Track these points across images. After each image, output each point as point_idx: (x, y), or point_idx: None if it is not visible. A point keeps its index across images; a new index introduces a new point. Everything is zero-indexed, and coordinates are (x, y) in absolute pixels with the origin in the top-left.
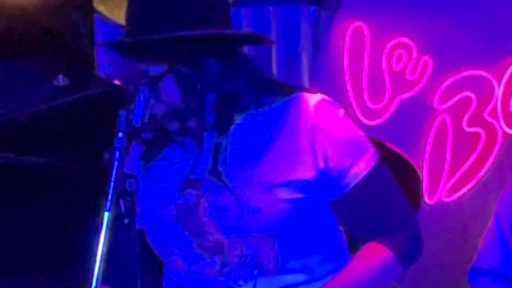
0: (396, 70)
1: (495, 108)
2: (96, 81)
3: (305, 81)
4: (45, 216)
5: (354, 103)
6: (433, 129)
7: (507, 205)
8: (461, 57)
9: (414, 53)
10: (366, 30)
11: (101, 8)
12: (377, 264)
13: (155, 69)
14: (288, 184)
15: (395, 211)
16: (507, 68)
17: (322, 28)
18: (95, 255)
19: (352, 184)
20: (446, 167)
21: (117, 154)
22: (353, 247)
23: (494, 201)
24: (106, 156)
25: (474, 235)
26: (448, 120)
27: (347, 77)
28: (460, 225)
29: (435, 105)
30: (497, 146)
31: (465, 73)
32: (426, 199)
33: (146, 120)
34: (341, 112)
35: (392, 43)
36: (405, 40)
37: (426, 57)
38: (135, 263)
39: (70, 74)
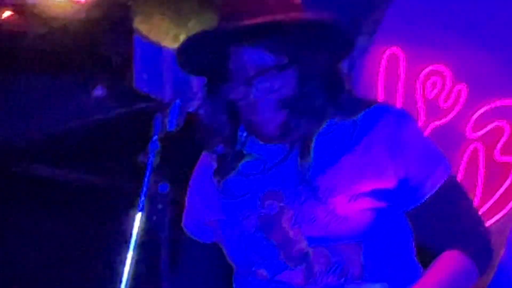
0: (430, 97)
1: None
2: (132, 94)
3: None
4: (72, 229)
5: None
6: (465, 157)
7: None
8: (495, 86)
9: (449, 81)
10: (401, 56)
11: (141, 27)
12: (460, 270)
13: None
14: (372, 193)
15: (468, 220)
16: None
17: (357, 53)
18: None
19: (430, 194)
20: (477, 196)
21: (151, 157)
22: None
23: None
24: (141, 158)
25: (504, 265)
26: (480, 148)
27: None
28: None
29: (467, 133)
30: None
31: (498, 102)
32: None
33: (181, 124)
34: (418, 124)
35: (427, 70)
36: (440, 67)
37: (460, 85)
38: (164, 266)
39: (109, 87)
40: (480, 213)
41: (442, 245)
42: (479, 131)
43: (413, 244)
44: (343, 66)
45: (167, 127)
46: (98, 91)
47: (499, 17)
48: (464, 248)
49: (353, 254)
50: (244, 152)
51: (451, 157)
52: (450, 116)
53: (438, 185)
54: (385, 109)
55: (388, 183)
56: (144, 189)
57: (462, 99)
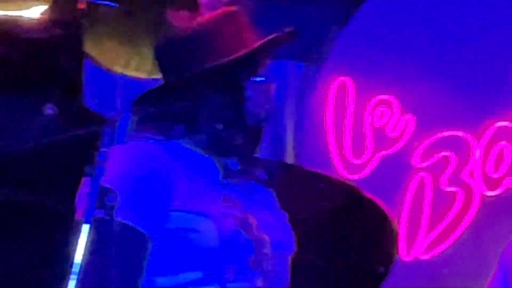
0: (378, 127)
1: (473, 169)
2: (85, 114)
3: (290, 134)
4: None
5: (335, 157)
6: (412, 186)
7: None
8: (442, 117)
9: (396, 111)
10: (350, 86)
11: (92, 52)
12: None
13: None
14: None
15: None
16: (486, 130)
17: (308, 82)
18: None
19: None
20: (423, 225)
21: (98, 168)
22: None
23: (469, 261)
24: (87, 170)
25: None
26: (427, 178)
27: (329, 131)
28: (435, 283)
29: (414, 163)
30: (474, 207)
31: (445, 133)
32: (402, 255)
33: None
34: None
35: (375, 99)
36: (388, 97)
37: (408, 116)
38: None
39: (60, 105)
40: (426, 242)
41: None
42: (426, 161)
43: None
44: (295, 97)
45: (116, 139)
46: (49, 110)
47: (446, 50)
48: None
49: None
50: None
51: (399, 186)
52: (398, 145)
53: None
54: None
55: None
56: (91, 200)
57: (409, 129)
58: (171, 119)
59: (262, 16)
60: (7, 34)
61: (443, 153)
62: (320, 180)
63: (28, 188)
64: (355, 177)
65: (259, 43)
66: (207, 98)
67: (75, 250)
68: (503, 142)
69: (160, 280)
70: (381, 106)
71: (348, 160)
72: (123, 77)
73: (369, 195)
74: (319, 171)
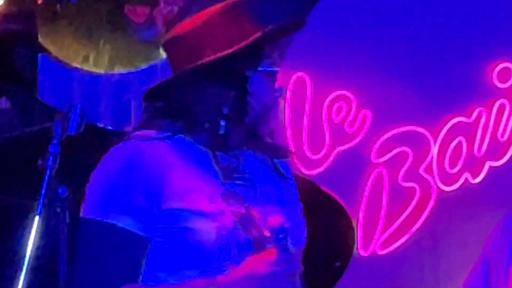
0: (336, 122)
1: (430, 164)
2: (39, 107)
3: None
4: None
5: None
6: (370, 182)
7: (494, 237)
8: (399, 113)
9: (354, 106)
10: (308, 81)
11: (50, 48)
12: None
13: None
14: None
15: None
16: (443, 126)
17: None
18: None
19: None
20: (381, 220)
21: (50, 160)
22: None
23: (427, 256)
24: (40, 162)
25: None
26: (385, 173)
27: (287, 127)
28: (392, 278)
29: (372, 158)
30: (431, 202)
31: (402, 129)
32: (360, 250)
33: (81, 129)
34: None
35: (333, 95)
36: (346, 93)
37: (365, 111)
38: (62, 266)
39: (13, 98)
40: (383, 237)
41: None
42: (383, 156)
43: None
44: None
45: (68, 130)
46: (2, 103)
47: (403, 47)
48: None
49: None
50: None
51: (356, 181)
52: (356, 141)
53: None
54: None
55: None
56: (43, 192)
57: (367, 125)
58: (176, 113)
59: None
60: None
61: (400, 149)
62: None
63: None
64: (313, 172)
65: (259, 33)
66: (212, 90)
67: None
68: (459, 138)
69: (161, 275)
70: (339, 101)
71: (306, 155)
72: (81, 71)
73: (327, 190)
74: None
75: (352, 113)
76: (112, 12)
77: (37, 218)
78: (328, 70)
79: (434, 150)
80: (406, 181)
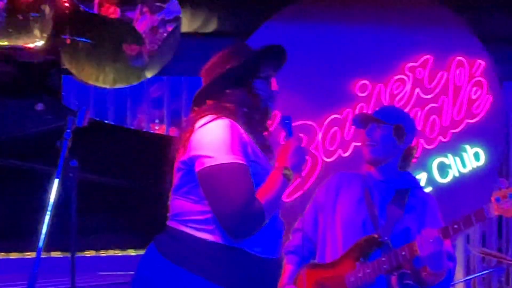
0: None
1: (317, 144)
2: (62, 108)
3: None
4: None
5: None
6: None
7: (321, 192)
8: (297, 112)
9: None
10: None
11: (73, 71)
12: None
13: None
14: None
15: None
16: (325, 121)
17: None
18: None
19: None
20: None
21: (65, 142)
22: None
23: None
24: (58, 144)
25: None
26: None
27: None
28: (294, 217)
29: (280, 141)
30: (318, 168)
31: (299, 122)
32: None
33: (85, 123)
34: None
35: None
36: None
37: (275, 111)
38: (73, 212)
39: (46, 103)
40: (288, 190)
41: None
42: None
43: None
44: None
45: (76, 123)
46: (39, 107)
47: (300, 68)
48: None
49: None
50: None
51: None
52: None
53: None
54: None
55: None
56: (60, 163)
57: (276, 120)
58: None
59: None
60: (15, 57)
61: (298, 135)
62: None
63: (26, 156)
64: None
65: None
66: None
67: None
68: (335, 128)
69: None
70: None
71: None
72: (95, 87)
73: None
74: None
75: None
76: (115, 48)
77: (56, 180)
78: None
79: (319, 135)
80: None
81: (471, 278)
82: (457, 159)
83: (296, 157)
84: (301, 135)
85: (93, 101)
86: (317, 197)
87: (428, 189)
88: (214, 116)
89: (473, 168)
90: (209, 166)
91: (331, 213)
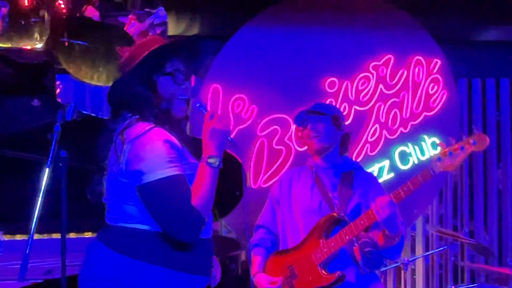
0: (237, 112)
1: (290, 136)
2: (55, 104)
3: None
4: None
5: None
6: (256, 146)
7: (275, 188)
8: (273, 107)
9: (247, 103)
10: (220, 89)
11: (71, 71)
12: None
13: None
14: None
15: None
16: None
17: (196, 88)
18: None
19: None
20: (263, 167)
21: (55, 134)
22: None
23: None
24: (49, 136)
25: None
26: (265, 141)
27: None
28: None
29: (258, 132)
30: (292, 157)
31: (274, 116)
32: (252, 184)
33: (74, 117)
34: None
35: (235, 97)
36: (242, 96)
37: (253, 106)
38: (63, 198)
39: (41, 99)
40: (265, 178)
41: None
42: (264, 131)
43: None
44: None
45: (65, 118)
46: (35, 102)
47: (275, 70)
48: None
49: None
50: None
51: (249, 146)
52: (248, 123)
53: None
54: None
55: None
56: (51, 154)
57: (254, 114)
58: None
59: None
60: (15, 58)
61: (273, 127)
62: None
63: (23, 147)
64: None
65: (157, 46)
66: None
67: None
68: None
69: None
70: (238, 100)
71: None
72: (89, 84)
73: (230, 151)
74: None
75: (246, 107)
76: (108, 49)
77: (47, 169)
78: (231, 82)
79: (292, 127)
80: (277, 145)
81: (429, 254)
82: (417, 148)
83: (215, 140)
84: (277, 127)
85: (88, 97)
86: (272, 193)
87: (390, 175)
88: (142, 126)
89: (430, 156)
90: (148, 182)
91: (287, 205)
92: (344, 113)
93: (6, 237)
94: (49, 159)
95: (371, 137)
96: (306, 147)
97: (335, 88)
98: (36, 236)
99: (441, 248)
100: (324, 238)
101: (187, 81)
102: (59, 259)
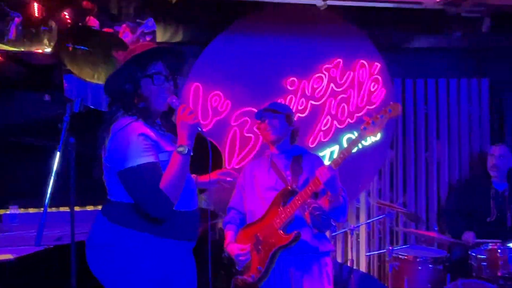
0: (214, 106)
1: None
2: (63, 99)
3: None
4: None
5: None
6: (230, 134)
7: (240, 177)
8: (245, 100)
9: (222, 98)
10: (200, 87)
11: (75, 71)
12: None
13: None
14: None
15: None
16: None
17: (180, 88)
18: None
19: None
20: (236, 151)
21: (64, 124)
22: None
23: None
24: (59, 125)
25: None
26: (237, 130)
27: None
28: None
29: (231, 123)
30: (259, 143)
31: (246, 109)
32: (226, 165)
33: (81, 109)
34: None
35: (212, 93)
36: (218, 92)
37: (227, 101)
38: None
39: (51, 95)
40: (238, 159)
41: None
42: (236, 122)
43: None
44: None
45: (74, 109)
46: (46, 97)
47: (247, 71)
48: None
49: None
50: None
51: (225, 134)
52: (223, 115)
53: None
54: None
55: None
56: (61, 140)
57: (228, 107)
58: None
59: None
60: (28, 60)
61: (244, 118)
62: None
63: (37, 134)
64: (204, 129)
65: (145, 49)
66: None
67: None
68: None
69: None
70: (215, 96)
71: (201, 122)
72: (91, 83)
73: (210, 139)
74: None
75: (222, 102)
76: (106, 53)
77: (58, 153)
78: (209, 80)
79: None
80: (247, 133)
81: (371, 221)
82: None
83: (184, 131)
84: (247, 118)
85: (90, 94)
86: (238, 182)
87: None
88: (125, 120)
89: (372, 142)
90: (124, 169)
91: (250, 189)
92: (302, 107)
93: (21, 211)
94: (60, 144)
95: (324, 127)
96: None
97: (295, 86)
98: (50, 210)
99: (380, 217)
100: (282, 207)
101: (166, 81)
102: (66, 229)
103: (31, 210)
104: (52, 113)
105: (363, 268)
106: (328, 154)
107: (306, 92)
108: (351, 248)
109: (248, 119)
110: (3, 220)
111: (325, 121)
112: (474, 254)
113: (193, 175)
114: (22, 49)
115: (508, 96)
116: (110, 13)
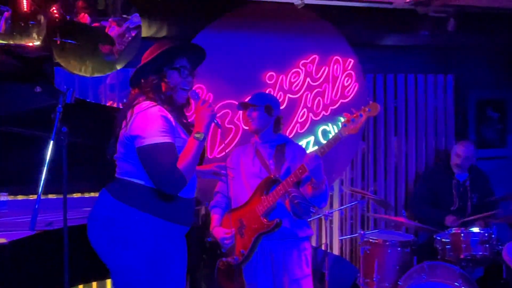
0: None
1: (239, 117)
2: (54, 90)
3: None
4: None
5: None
6: (212, 125)
7: (227, 162)
8: (226, 93)
9: (205, 91)
10: None
11: (63, 64)
12: None
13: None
14: None
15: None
16: (245, 100)
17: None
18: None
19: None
20: (217, 142)
21: (57, 114)
22: None
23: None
24: (52, 115)
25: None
26: (219, 121)
27: None
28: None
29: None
30: (239, 134)
31: (227, 101)
32: (208, 155)
33: (73, 100)
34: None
35: (195, 86)
36: (201, 85)
37: (210, 93)
38: (64, 166)
39: (42, 86)
40: (219, 149)
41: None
42: (218, 113)
43: None
44: None
45: (66, 100)
46: (37, 89)
47: (229, 66)
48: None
49: None
50: None
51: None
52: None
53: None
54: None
55: None
56: (54, 129)
57: (211, 99)
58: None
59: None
60: (19, 53)
61: (225, 110)
62: None
63: (27, 124)
64: (190, 120)
65: (160, 50)
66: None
67: (47, 153)
68: None
69: None
70: (198, 89)
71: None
72: (78, 75)
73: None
74: None
75: (204, 94)
76: (93, 47)
77: (51, 141)
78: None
79: (240, 111)
80: (228, 124)
81: (343, 208)
82: (335, 127)
83: (203, 120)
84: (228, 110)
85: (77, 85)
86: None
87: (315, 148)
88: (148, 103)
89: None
90: (144, 145)
91: (236, 174)
92: (280, 100)
93: (10, 197)
94: (53, 133)
95: (300, 119)
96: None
97: (273, 80)
98: (43, 196)
99: (353, 203)
100: (265, 195)
101: (190, 75)
102: (57, 214)
103: (20, 197)
104: (43, 104)
105: (336, 251)
106: (304, 145)
107: (284, 86)
108: (325, 233)
109: (229, 111)
110: None
111: (301, 113)
112: (439, 238)
113: None
114: (12, 42)
115: (471, 92)
116: (97, 8)
